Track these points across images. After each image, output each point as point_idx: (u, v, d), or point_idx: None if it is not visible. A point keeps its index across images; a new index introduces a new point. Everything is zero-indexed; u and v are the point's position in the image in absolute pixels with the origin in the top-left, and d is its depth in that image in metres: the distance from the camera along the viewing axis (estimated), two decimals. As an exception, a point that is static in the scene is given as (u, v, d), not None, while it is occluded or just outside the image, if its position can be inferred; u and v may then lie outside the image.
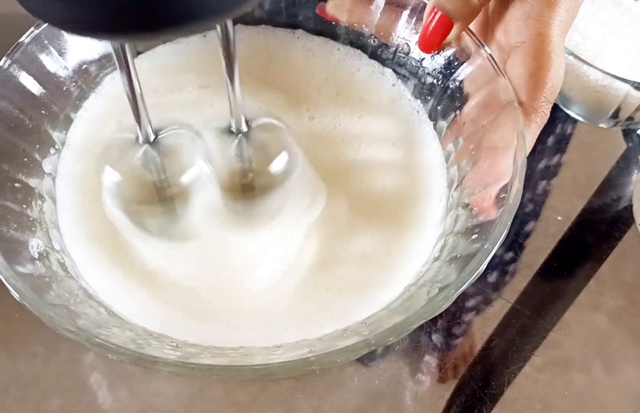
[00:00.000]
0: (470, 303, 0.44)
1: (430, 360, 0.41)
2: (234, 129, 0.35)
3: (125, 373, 0.40)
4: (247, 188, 0.36)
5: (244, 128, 0.35)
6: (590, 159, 0.52)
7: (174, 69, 0.45)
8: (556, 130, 0.53)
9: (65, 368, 0.40)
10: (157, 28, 0.22)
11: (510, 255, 0.46)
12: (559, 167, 0.51)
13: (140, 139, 0.34)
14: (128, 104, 0.43)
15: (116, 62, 0.30)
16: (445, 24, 0.39)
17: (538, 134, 0.38)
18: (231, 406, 0.39)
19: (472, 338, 0.42)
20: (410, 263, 0.37)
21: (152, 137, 0.35)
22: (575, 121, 0.53)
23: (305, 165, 0.39)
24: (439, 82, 0.43)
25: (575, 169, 0.51)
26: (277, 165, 0.36)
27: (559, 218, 0.48)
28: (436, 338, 0.42)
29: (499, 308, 0.44)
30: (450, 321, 0.43)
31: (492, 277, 0.45)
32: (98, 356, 0.40)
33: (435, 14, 0.39)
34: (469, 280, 0.31)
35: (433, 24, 0.39)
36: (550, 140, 0.53)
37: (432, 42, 0.40)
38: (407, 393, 0.40)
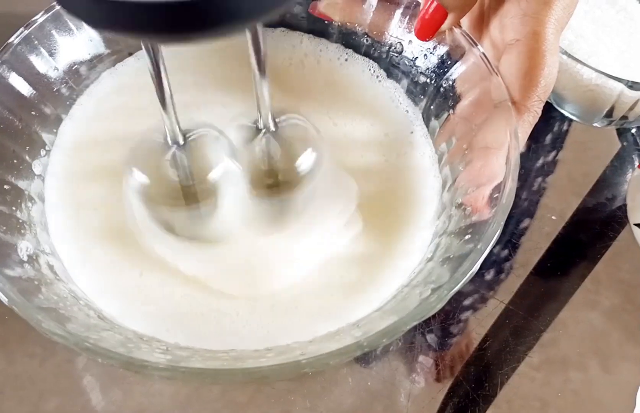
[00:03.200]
0: (464, 303, 0.44)
1: (425, 361, 0.41)
2: (261, 127, 0.35)
3: (123, 374, 0.40)
4: (274, 186, 0.36)
5: (272, 126, 0.35)
6: (585, 158, 0.52)
7: (193, 69, 0.45)
8: (550, 130, 0.53)
9: (62, 369, 0.40)
10: (192, 31, 0.22)
11: (504, 254, 0.46)
12: (553, 166, 0.51)
13: (169, 141, 0.34)
14: (119, 104, 0.43)
15: (148, 64, 0.29)
16: (441, 13, 0.40)
17: (530, 132, 0.38)
18: (228, 406, 0.39)
19: (465, 339, 0.42)
20: (403, 264, 0.37)
21: (180, 140, 0.34)
22: (569, 120, 0.53)
23: (331, 163, 0.39)
24: (432, 81, 0.43)
25: (570, 168, 0.51)
26: (304, 163, 0.35)
27: (553, 217, 0.48)
28: (430, 338, 0.42)
29: (493, 308, 0.43)
30: (443, 321, 0.43)
31: (486, 277, 0.45)
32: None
33: (432, 2, 0.40)
34: (462, 281, 0.31)
35: (430, 12, 0.40)
36: (545, 139, 0.53)
37: (427, 30, 0.41)
38: (401, 393, 0.40)
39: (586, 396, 0.40)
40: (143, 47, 0.29)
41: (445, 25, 0.40)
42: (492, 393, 0.40)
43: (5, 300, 0.30)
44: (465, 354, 0.42)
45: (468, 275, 0.31)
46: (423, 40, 0.42)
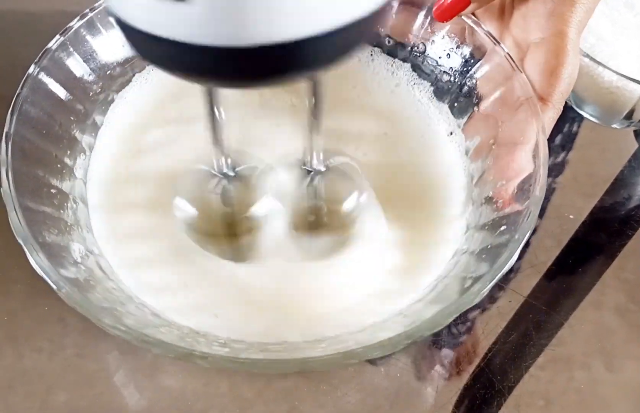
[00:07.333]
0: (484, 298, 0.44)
1: (439, 355, 0.42)
2: (309, 168, 0.36)
3: (131, 368, 0.40)
4: (316, 226, 0.37)
5: (320, 167, 0.36)
6: (602, 159, 0.53)
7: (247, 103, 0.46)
8: (568, 130, 0.54)
9: (70, 364, 0.40)
10: (258, 79, 0.23)
11: (524, 252, 0.46)
12: (571, 165, 0.52)
13: (217, 172, 0.35)
14: (153, 106, 0.44)
15: (204, 100, 0.31)
16: (464, 3, 0.41)
17: (552, 127, 0.40)
18: (236, 401, 0.39)
19: (486, 333, 0.42)
20: (437, 256, 0.38)
21: (230, 172, 0.36)
22: (586, 121, 0.54)
23: (376, 208, 0.40)
24: (456, 80, 0.44)
25: (588, 168, 0.52)
26: (348, 206, 0.37)
27: (570, 216, 0.48)
28: (448, 334, 0.42)
29: (516, 304, 0.44)
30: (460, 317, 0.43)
31: (509, 271, 0.45)
32: (103, 351, 0.40)
33: None
34: (503, 271, 0.32)
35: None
36: (562, 139, 0.53)
37: (447, 14, 0.42)
38: (409, 388, 0.40)
39: (590, 395, 0.40)
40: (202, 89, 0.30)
41: (467, 11, 0.42)
42: (514, 385, 0.40)
43: (67, 298, 0.30)
44: (485, 348, 0.42)
45: (507, 265, 0.32)
46: (441, 21, 0.43)
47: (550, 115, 0.39)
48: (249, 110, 0.45)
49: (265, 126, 0.44)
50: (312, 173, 0.37)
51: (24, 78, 0.38)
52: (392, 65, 0.47)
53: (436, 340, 0.42)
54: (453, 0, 0.42)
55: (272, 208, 0.37)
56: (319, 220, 0.37)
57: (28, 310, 0.41)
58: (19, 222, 0.32)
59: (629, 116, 0.50)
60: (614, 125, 0.52)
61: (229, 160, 0.35)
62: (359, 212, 0.38)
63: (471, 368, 0.41)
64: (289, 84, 0.23)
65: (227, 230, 0.37)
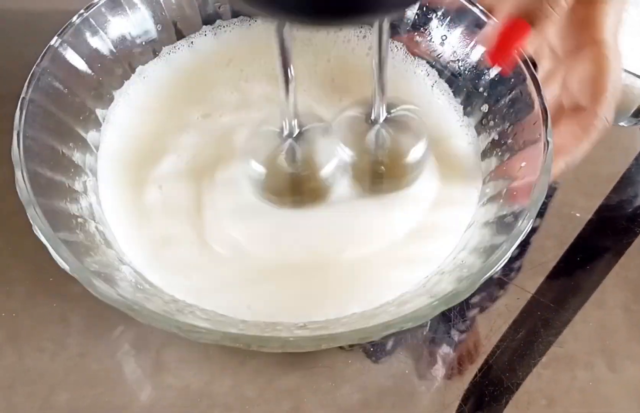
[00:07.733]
0: (489, 295, 0.44)
1: (445, 352, 0.42)
2: (372, 118, 0.37)
3: (133, 367, 0.40)
4: (378, 175, 0.38)
5: (382, 117, 0.37)
6: (609, 157, 0.53)
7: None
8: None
9: (72, 364, 0.39)
10: (333, 15, 0.24)
11: (528, 248, 0.46)
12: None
13: (285, 132, 0.36)
14: (167, 86, 0.45)
15: (276, 51, 0.31)
16: (522, 29, 0.37)
17: (597, 140, 0.39)
18: (238, 400, 0.39)
19: (494, 330, 0.42)
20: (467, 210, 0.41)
21: (296, 131, 0.36)
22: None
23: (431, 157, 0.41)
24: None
25: (593, 165, 0.51)
26: (412, 155, 0.38)
27: (577, 215, 0.48)
28: (452, 332, 0.42)
29: (523, 301, 0.44)
30: (462, 314, 0.43)
31: (510, 270, 0.45)
32: (105, 351, 0.40)
33: (509, 20, 0.37)
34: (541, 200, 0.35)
35: (507, 30, 0.37)
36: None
37: (506, 51, 0.38)
38: (412, 387, 0.40)
39: (593, 394, 0.40)
40: (276, 35, 0.30)
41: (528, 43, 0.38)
42: (520, 383, 0.40)
43: (150, 320, 0.31)
44: (485, 349, 0.42)
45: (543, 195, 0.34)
46: (499, 65, 0.40)
47: (596, 125, 0.39)
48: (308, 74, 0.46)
49: (325, 86, 0.46)
50: (375, 124, 0.37)
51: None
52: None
53: (442, 338, 0.42)
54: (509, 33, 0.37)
55: (339, 164, 0.38)
56: (382, 173, 0.38)
57: (29, 310, 0.41)
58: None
59: (637, 114, 0.50)
60: (621, 123, 0.52)
61: (296, 121, 0.36)
62: (419, 166, 0.39)
63: (479, 365, 0.41)
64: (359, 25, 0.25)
65: (293, 189, 0.37)
